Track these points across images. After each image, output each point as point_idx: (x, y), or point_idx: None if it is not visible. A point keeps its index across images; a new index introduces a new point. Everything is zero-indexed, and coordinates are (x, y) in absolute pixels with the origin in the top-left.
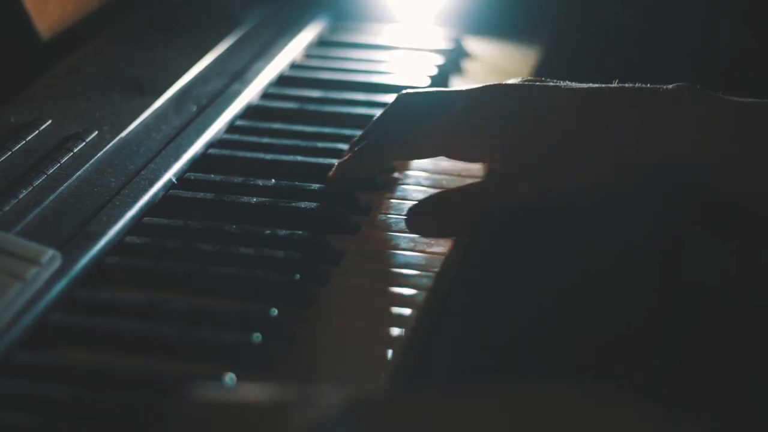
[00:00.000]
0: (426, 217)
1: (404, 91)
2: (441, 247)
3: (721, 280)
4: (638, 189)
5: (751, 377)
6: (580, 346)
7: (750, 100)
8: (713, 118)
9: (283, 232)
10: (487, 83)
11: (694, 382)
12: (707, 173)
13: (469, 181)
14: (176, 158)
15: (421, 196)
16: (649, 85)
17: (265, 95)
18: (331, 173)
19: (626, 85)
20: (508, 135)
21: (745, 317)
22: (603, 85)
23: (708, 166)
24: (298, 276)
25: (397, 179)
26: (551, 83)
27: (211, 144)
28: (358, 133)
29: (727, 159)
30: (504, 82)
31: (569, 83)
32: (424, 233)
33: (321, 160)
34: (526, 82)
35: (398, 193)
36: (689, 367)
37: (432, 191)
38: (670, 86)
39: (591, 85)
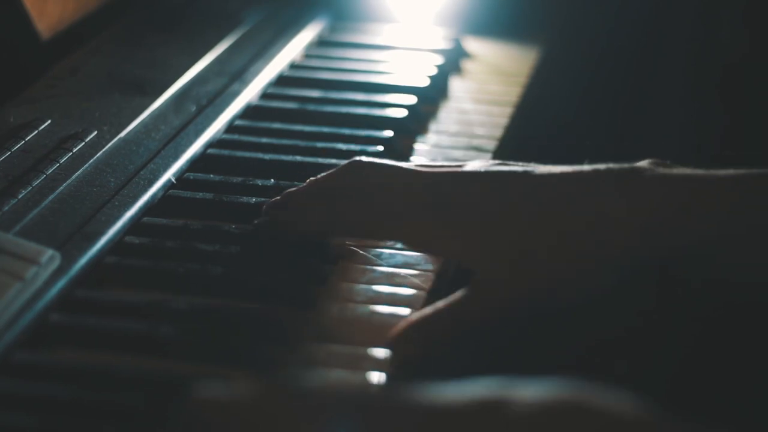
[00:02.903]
0: (410, 345)
1: (359, 158)
2: None
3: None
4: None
5: (751, 377)
6: (580, 345)
7: (726, 172)
8: (687, 196)
9: (283, 232)
10: (452, 169)
11: (694, 381)
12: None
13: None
14: (176, 158)
15: None
16: (617, 166)
17: (265, 95)
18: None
19: (599, 167)
20: (480, 231)
21: (745, 317)
22: (575, 170)
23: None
24: (297, 276)
25: None
26: (520, 169)
27: (211, 144)
28: (358, 133)
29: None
30: (469, 170)
31: (537, 168)
32: (409, 358)
33: (321, 160)
34: (492, 168)
35: None
36: (689, 367)
37: None
38: (642, 163)
39: (563, 169)
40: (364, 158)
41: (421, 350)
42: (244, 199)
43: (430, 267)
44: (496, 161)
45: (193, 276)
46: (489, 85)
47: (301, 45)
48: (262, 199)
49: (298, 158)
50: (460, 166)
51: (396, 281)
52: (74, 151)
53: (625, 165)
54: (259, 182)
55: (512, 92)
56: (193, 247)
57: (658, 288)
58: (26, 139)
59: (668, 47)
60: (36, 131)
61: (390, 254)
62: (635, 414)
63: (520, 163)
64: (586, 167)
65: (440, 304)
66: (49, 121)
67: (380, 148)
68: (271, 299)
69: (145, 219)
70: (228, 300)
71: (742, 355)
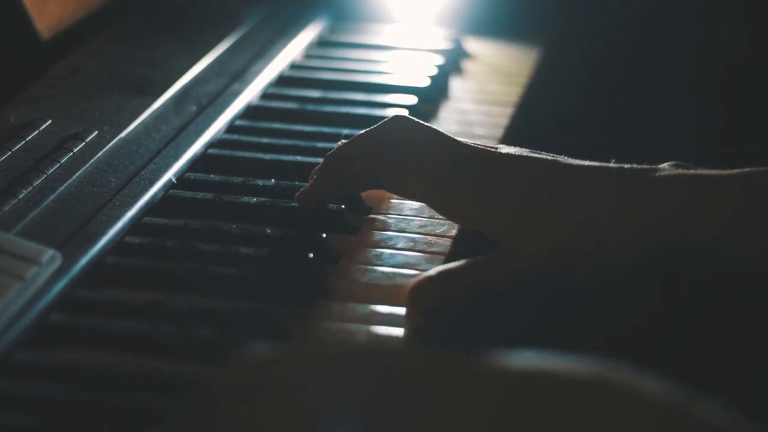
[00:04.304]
0: (427, 298)
1: (402, 114)
2: (441, 247)
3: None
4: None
5: (752, 377)
6: (581, 345)
7: (729, 171)
8: (696, 195)
9: (283, 232)
10: (488, 148)
11: (698, 376)
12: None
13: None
14: (176, 158)
15: None
16: (639, 166)
17: (265, 95)
18: (300, 192)
19: (624, 166)
20: (511, 208)
21: (748, 313)
22: (601, 165)
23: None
24: (297, 276)
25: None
26: (550, 157)
27: (211, 144)
28: (358, 133)
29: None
30: (504, 152)
31: (566, 160)
32: (425, 312)
33: (321, 160)
34: (525, 153)
35: None
36: (689, 367)
37: None
38: (662, 165)
39: (590, 163)
40: (406, 116)
41: (437, 305)
42: (245, 199)
43: (430, 267)
44: (528, 149)
45: (193, 276)
46: (489, 85)
47: (301, 45)
48: (263, 199)
49: (299, 158)
50: (495, 148)
51: (396, 281)
52: (75, 151)
53: (647, 166)
54: (260, 182)
55: (512, 92)
56: (194, 247)
57: (662, 284)
58: (27, 139)
59: (668, 47)
60: (36, 131)
61: (390, 254)
62: (662, 394)
63: (551, 154)
64: (612, 164)
65: (460, 262)
66: (49, 121)
67: None
68: (271, 299)
69: (145, 219)
70: (228, 300)
71: (745, 351)
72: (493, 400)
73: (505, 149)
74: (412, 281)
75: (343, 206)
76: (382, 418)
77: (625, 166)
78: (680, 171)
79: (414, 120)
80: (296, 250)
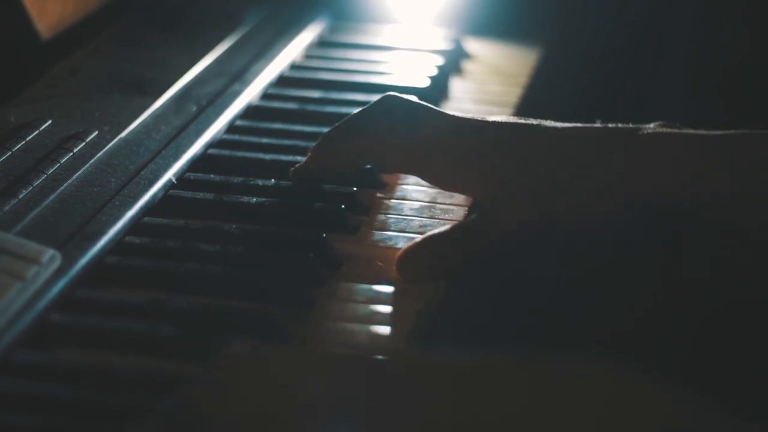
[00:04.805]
0: (417, 263)
1: (392, 93)
2: None
3: (721, 277)
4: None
5: (752, 376)
6: (581, 345)
7: (720, 132)
8: (687, 155)
9: (283, 232)
10: (475, 117)
11: (694, 381)
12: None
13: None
14: (176, 158)
15: (421, 196)
16: (625, 126)
17: (265, 96)
18: (295, 168)
19: (609, 126)
20: (499, 172)
21: (745, 315)
22: (587, 126)
23: (686, 202)
24: (297, 276)
25: (397, 179)
26: (536, 122)
27: (211, 144)
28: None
29: (703, 194)
30: (491, 119)
31: (554, 124)
32: (415, 280)
33: None
34: (512, 120)
35: (398, 193)
36: (689, 366)
37: (432, 191)
38: (650, 125)
39: (575, 125)
40: (396, 94)
41: (427, 270)
42: (245, 199)
43: None
44: (516, 117)
45: (193, 276)
46: (489, 86)
47: (301, 45)
48: (263, 199)
49: (299, 158)
50: (483, 118)
51: (397, 281)
52: (75, 151)
53: (633, 125)
54: (260, 182)
55: (512, 93)
56: (194, 247)
57: (663, 269)
58: (27, 139)
59: (668, 47)
60: (36, 131)
61: (391, 254)
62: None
63: (538, 120)
64: (597, 125)
65: (447, 226)
66: (49, 121)
67: None
68: (271, 299)
69: (145, 219)
70: (228, 300)
71: (745, 351)
72: (493, 400)
73: (492, 118)
74: (400, 251)
75: (343, 206)
76: (382, 418)
77: (619, 125)
78: (683, 132)
79: (404, 97)
80: (296, 250)
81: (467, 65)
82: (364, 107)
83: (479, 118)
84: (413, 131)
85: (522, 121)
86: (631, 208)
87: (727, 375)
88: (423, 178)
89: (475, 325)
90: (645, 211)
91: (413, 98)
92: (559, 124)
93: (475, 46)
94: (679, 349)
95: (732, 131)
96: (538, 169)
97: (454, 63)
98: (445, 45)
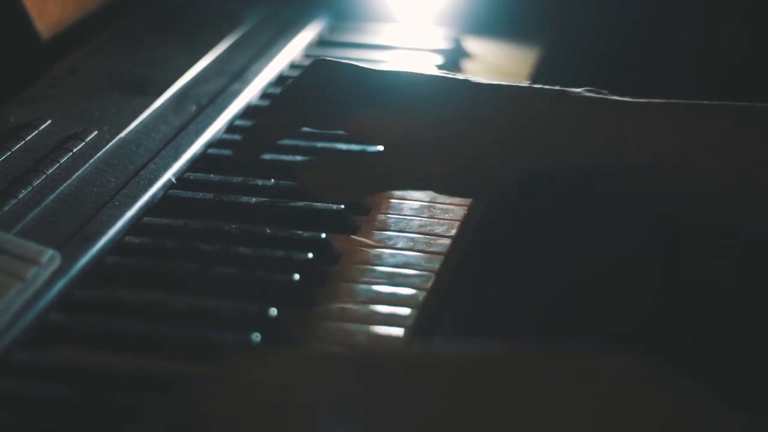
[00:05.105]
0: (313, 178)
1: (323, 58)
2: (441, 246)
3: (721, 277)
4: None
5: (752, 375)
6: (581, 345)
7: (649, 100)
8: (609, 120)
9: (283, 232)
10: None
11: (700, 360)
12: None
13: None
14: (176, 158)
15: (421, 196)
16: (550, 88)
17: (265, 95)
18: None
19: (535, 86)
20: (419, 121)
21: (745, 315)
22: (513, 84)
23: (608, 168)
24: (297, 276)
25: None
26: (462, 77)
27: (211, 144)
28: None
29: (627, 160)
30: (420, 72)
31: (482, 80)
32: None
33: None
34: (440, 74)
35: (398, 193)
36: (689, 366)
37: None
38: (576, 89)
39: (502, 83)
40: (327, 58)
41: (321, 186)
42: (244, 199)
43: (430, 267)
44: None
45: (193, 276)
46: None
47: (301, 45)
48: (263, 198)
49: (298, 158)
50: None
51: (396, 281)
52: (74, 151)
53: (557, 88)
54: (259, 182)
55: None
56: (193, 247)
57: (663, 269)
58: (26, 139)
59: (668, 47)
60: (36, 131)
61: (390, 254)
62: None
63: (466, 75)
64: (524, 84)
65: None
66: (49, 121)
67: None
68: (271, 299)
69: (145, 219)
70: (228, 300)
71: (745, 351)
72: (493, 400)
73: (424, 71)
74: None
75: (343, 206)
76: (382, 418)
77: (544, 87)
78: (608, 97)
79: (334, 61)
80: (296, 250)
81: (467, 64)
82: (296, 77)
83: (407, 70)
84: (341, 91)
85: (450, 75)
86: (555, 167)
87: (727, 375)
88: (347, 132)
89: (475, 325)
90: (568, 173)
91: (342, 61)
92: (486, 80)
93: (474, 45)
94: (679, 349)
95: (655, 101)
96: (448, 117)
97: (453, 62)
98: (444, 44)
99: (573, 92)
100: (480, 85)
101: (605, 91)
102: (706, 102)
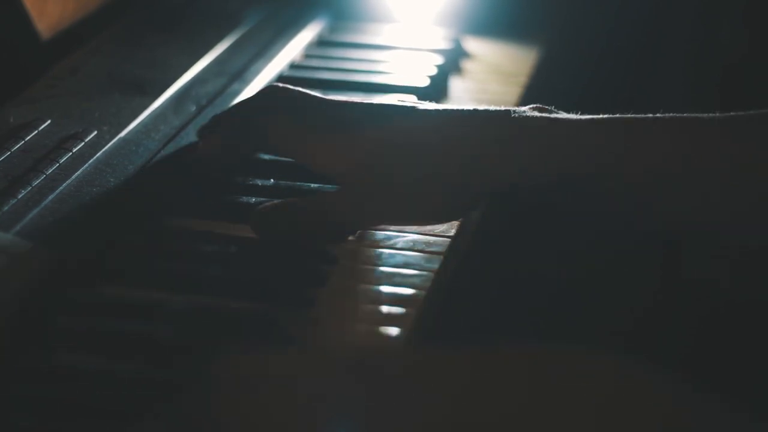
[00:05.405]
0: (272, 225)
1: (275, 84)
2: (440, 247)
3: (721, 277)
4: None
5: (752, 376)
6: (581, 345)
7: (596, 116)
8: (551, 138)
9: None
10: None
11: (700, 360)
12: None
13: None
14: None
15: None
16: (495, 108)
17: None
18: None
19: (479, 108)
20: (357, 148)
21: (745, 315)
22: (456, 109)
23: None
24: (297, 276)
25: None
26: (409, 104)
27: None
28: None
29: (571, 177)
30: (365, 102)
31: (427, 106)
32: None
33: None
34: (384, 102)
35: None
36: (689, 366)
37: None
38: (522, 108)
39: (445, 107)
40: (279, 84)
41: (278, 230)
42: (244, 199)
43: (430, 267)
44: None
45: (193, 276)
46: (489, 85)
47: (301, 45)
48: (262, 199)
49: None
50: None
51: (396, 281)
52: (74, 151)
53: (503, 108)
54: (259, 182)
55: (512, 92)
56: (194, 247)
57: (663, 269)
58: (26, 139)
59: (668, 47)
60: (36, 131)
61: (390, 254)
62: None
63: (413, 102)
64: (468, 107)
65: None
66: (49, 121)
67: None
68: (271, 299)
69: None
70: (228, 300)
71: (745, 351)
72: (493, 400)
73: (373, 100)
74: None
75: None
76: (382, 418)
77: (489, 108)
78: (551, 115)
79: (286, 87)
80: (296, 250)
81: (467, 64)
82: (250, 96)
83: (351, 99)
84: (284, 118)
85: (392, 102)
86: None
87: (727, 375)
88: (288, 157)
89: (475, 325)
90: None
91: (293, 87)
92: (430, 106)
93: (474, 45)
94: (679, 349)
95: (599, 116)
96: (391, 147)
97: (453, 62)
98: (444, 44)
99: (519, 111)
100: (435, 112)
101: (551, 108)
102: (652, 116)
